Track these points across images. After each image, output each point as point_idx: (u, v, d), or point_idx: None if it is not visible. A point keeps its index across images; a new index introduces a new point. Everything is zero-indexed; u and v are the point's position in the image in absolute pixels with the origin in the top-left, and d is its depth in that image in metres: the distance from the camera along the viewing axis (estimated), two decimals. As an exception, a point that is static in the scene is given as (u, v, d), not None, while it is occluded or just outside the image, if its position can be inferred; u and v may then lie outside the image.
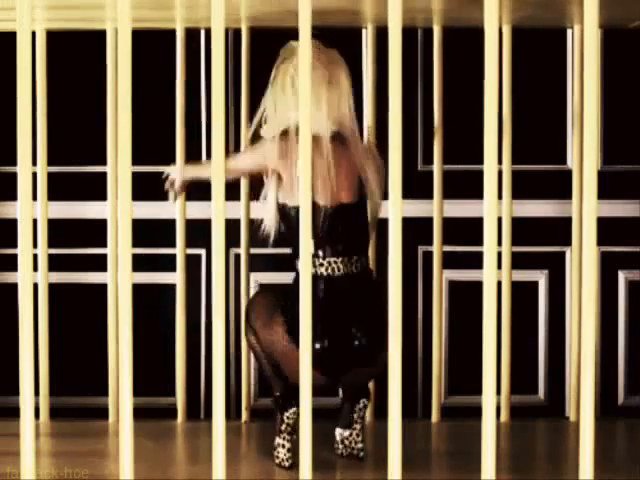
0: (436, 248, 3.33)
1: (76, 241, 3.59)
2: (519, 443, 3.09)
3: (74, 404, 3.59)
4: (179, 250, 3.35)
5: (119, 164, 2.15)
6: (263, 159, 2.74)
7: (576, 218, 3.30)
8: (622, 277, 3.61)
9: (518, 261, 3.45)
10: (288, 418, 2.77)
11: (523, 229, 3.51)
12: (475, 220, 3.09)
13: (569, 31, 3.52)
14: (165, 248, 3.53)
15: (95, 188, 3.50)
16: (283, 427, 2.77)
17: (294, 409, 2.75)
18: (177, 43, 3.33)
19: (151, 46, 3.48)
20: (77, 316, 3.61)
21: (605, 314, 3.60)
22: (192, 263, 3.51)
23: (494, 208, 2.11)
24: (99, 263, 3.48)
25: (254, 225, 3.02)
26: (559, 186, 3.54)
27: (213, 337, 2.13)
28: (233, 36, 3.49)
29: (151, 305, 3.58)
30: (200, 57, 3.56)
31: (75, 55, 3.56)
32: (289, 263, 2.73)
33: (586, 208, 2.11)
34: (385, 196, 2.43)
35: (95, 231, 3.53)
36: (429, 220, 3.34)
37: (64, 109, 3.54)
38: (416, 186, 3.47)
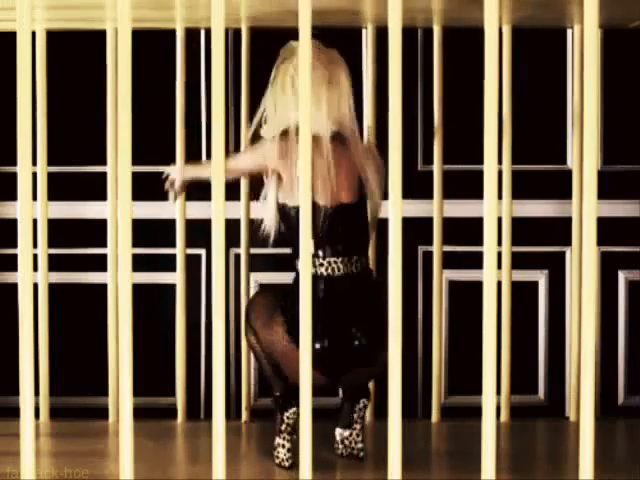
0: (436, 248, 3.33)
1: (76, 241, 3.59)
2: (519, 443, 3.09)
3: (74, 404, 3.58)
4: (179, 250, 3.35)
5: (119, 164, 2.14)
6: (263, 159, 2.74)
7: (576, 218, 3.30)
8: (622, 277, 3.61)
9: (518, 261, 3.45)
10: (288, 418, 2.77)
11: (523, 229, 3.51)
12: (475, 220, 3.09)
13: (569, 31, 3.52)
14: (165, 248, 3.53)
15: (95, 188, 3.50)
16: (283, 427, 2.77)
17: (294, 409, 2.75)
18: (177, 43, 3.33)
19: (151, 46, 3.48)
20: (77, 316, 3.61)
21: (605, 314, 3.59)
22: (192, 263, 3.51)
23: (494, 208, 2.11)
24: (99, 263, 3.47)
25: (254, 225, 3.02)
26: (559, 186, 3.53)
27: (213, 337, 2.13)
28: (233, 36, 3.49)
29: (151, 305, 3.58)
30: (200, 57, 3.56)
31: (75, 55, 3.56)
32: (289, 263, 2.73)
33: (586, 208, 2.11)
34: (385, 196, 2.43)
35: (95, 231, 3.53)
36: (429, 220, 3.34)
37: (64, 109, 3.54)
38: (416, 186, 3.47)
